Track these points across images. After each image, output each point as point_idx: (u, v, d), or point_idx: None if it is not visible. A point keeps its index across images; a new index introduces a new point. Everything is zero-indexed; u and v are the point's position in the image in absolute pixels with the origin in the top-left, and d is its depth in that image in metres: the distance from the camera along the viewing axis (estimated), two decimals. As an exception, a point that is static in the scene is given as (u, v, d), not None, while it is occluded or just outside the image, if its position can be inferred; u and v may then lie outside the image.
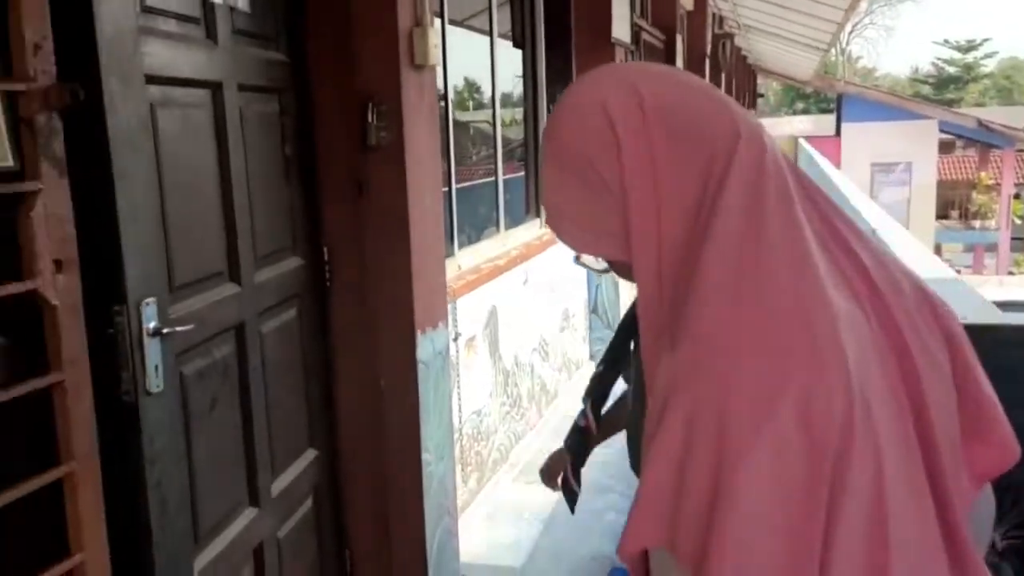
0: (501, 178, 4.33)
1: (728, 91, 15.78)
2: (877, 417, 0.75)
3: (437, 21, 3.21)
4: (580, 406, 1.46)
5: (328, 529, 2.42)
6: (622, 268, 0.90)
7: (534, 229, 4.65)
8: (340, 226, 2.36)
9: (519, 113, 5.09)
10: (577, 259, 1.00)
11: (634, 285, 0.87)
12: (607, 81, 0.86)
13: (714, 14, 12.42)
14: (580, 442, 1.47)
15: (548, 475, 1.63)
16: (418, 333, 2.41)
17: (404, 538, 2.52)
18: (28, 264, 1.24)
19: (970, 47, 55.30)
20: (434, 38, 2.39)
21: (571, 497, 1.50)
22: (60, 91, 1.25)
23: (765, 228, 0.78)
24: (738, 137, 0.82)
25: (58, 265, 1.27)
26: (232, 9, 1.90)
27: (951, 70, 56.71)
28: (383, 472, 2.49)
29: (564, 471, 1.51)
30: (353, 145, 2.31)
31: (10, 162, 1.27)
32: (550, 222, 0.91)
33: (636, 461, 1.23)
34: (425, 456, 2.48)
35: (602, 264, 0.97)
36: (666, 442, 0.76)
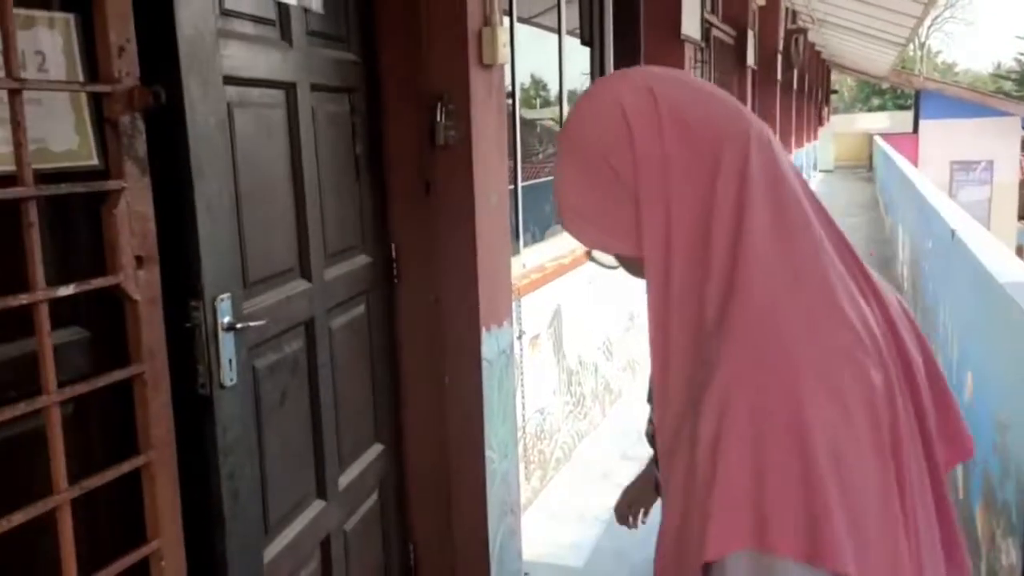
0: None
1: (800, 87, 15.44)
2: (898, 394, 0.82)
3: (506, 19, 3.22)
4: (644, 407, 1.44)
5: (393, 523, 2.45)
6: (632, 265, 0.92)
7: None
8: (407, 224, 2.39)
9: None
10: (590, 255, 1.00)
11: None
12: (623, 82, 0.89)
13: (787, 8, 12.17)
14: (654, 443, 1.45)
15: (621, 512, 1.59)
16: (483, 331, 2.42)
17: (467, 534, 2.54)
18: (111, 260, 1.29)
19: (1059, 40, 52.94)
20: (503, 37, 2.39)
21: None
22: (143, 93, 1.29)
23: (790, 227, 0.82)
24: (749, 140, 0.84)
25: (139, 261, 1.31)
26: (306, 11, 1.93)
27: (1038, 64, 54.43)
28: (447, 468, 2.51)
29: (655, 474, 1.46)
30: (421, 144, 2.33)
31: (96, 161, 1.32)
32: (564, 219, 0.93)
33: None
34: (488, 453, 2.49)
35: (613, 261, 0.97)
36: (734, 443, 0.75)
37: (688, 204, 0.83)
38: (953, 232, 4.12)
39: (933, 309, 4.90)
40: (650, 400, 1.44)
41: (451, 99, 2.31)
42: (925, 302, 5.40)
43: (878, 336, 0.82)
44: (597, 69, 4.86)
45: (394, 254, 2.39)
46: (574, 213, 0.91)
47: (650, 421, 1.39)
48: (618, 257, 0.95)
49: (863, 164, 25.30)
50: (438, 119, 2.29)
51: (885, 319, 0.86)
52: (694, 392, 0.81)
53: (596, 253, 0.97)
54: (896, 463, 0.79)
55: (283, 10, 1.85)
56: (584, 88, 5.01)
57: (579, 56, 4.80)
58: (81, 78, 1.29)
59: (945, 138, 20.67)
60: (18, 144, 1.12)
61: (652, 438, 1.38)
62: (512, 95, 3.55)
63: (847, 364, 0.78)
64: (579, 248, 4.32)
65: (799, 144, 15.89)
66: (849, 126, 32.00)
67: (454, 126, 2.32)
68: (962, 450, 0.95)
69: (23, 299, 1.13)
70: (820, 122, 24.03)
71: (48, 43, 1.26)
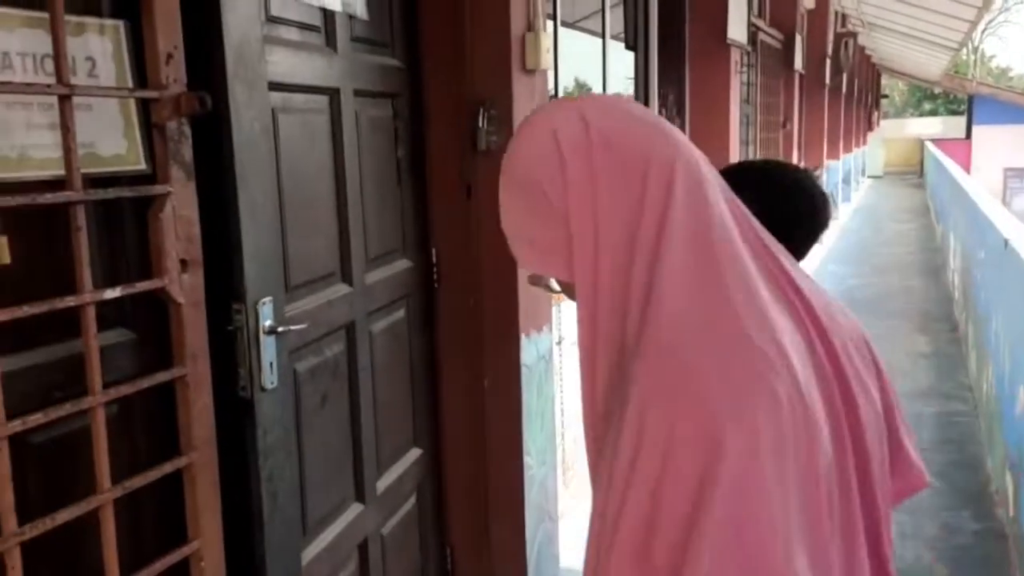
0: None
1: (849, 92, 15.19)
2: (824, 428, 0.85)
3: (549, 24, 3.21)
4: None
5: (430, 527, 2.46)
6: (568, 288, 0.95)
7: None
8: (448, 229, 2.39)
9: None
10: (531, 279, 1.04)
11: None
12: (558, 110, 0.92)
13: (837, 12, 11.98)
14: None
15: None
16: (522, 336, 2.42)
17: (505, 540, 2.53)
18: (156, 263, 1.31)
19: (1121, 43, 51.43)
20: (546, 42, 2.39)
21: None
22: (190, 99, 1.31)
23: (712, 254, 0.85)
24: (675, 164, 0.87)
25: (184, 264, 1.33)
26: (351, 17, 1.95)
27: (1098, 68, 52.93)
28: (485, 473, 2.50)
29: None
30: (463, 148, 2.34)
31: (143, 166, 1.34)
32: (510, 243, 0.98)
33: None
34: (527, 459, 2.48)
35: (555, 284, 1.00)
36: (646, 468, 0.79)
37: (614, 228, 0.86)
38: (1006, 241, 4.01)
39: (985, 320, 4.77)
40: None
41: (493, 104, 2.31)
42: (977, 313, 5.26)
43: (797, 370, 0.83)
44: (641, 73, 4.83)
45: (435, 258, 2.40)
46: (513, 236, 0.96)
47: None
48: (558, 280, 0.98)
49: (914, 170, 24.82)
50: (480, 124, 2.29)
51: (825, 349, 0.88)
52: (613, 409, 0.86)
53: (537, 277, 1.01)
54: (809, 495, 0.81)
55: (328, 16, 1.87)
56: (629, 93, 4.99)
57: (624, 60, 4.77)
58: (130, 84, 1.32)
59: (999, 144, 20.24)
60: (67, 149, 1.15)
61: None
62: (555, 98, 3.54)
63: (760, 395, 0.80)
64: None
65: (847, 149, 15.62)
66: (900, 131, 31.41)
67: (496, 131, 2.31)
68: (916, 482, 0.99)
69: (70, 301, 1.16)
70: (870, 127, 23.63)
71: (98, 49, 1.28)
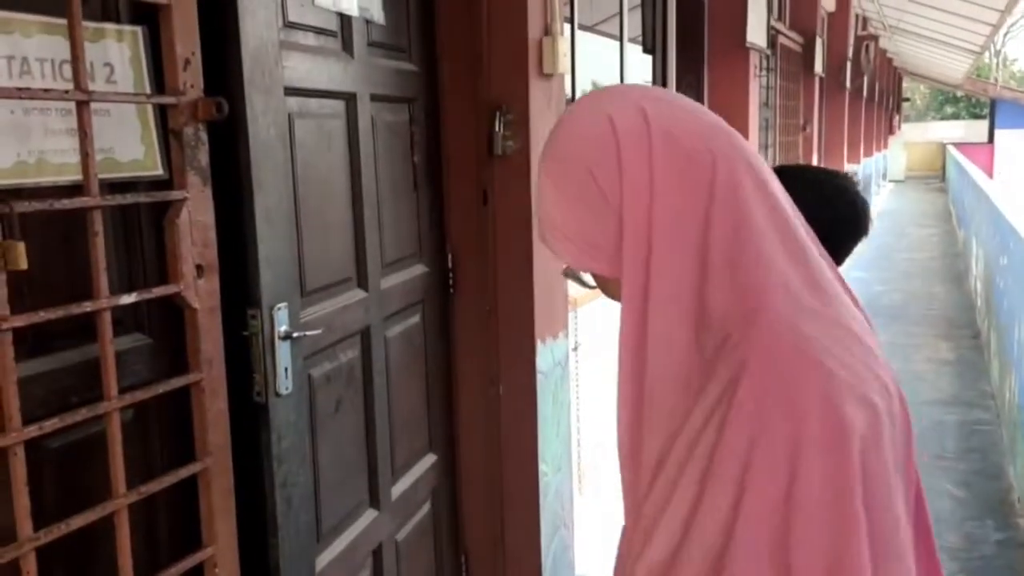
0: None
1: (870, 95, 15.08)
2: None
3: (567, 27, 3.20)
4: None
5: (445, 534, 2.45)
6: (608, 284, 0.91)
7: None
8: (464, 234, 2.39)
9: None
10: (566, 272, 0.97)
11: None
12: (611, 97, 0.87)
13: (857, 15, 11.89)
14: None
15: None
16: (538, 343, 2.40)
17: (519, 547, 2.51)
18: (172, 268, 1.31)
19: None
20: (563, 47, 2.38)
21: None
22: (207, 104, 1.31)
23: (794, 251, 0.82)
24: (740, 160, 0.83)
25: (199, 270, 1.33)
26: (368, 22, 1.95)
27: (1123, 72, 52.35)
28: (500, 480, 2.49)
29: None
30: (479, 153, 2.33)
31: (160, 171, 1.34)
32: (543, 235, 0.91)
33: None
34: (542, 466, 2.47)
35: (591, 280, 0.95)
36: (761, 474, 0.74)
37: (675, 226, 0.81)
38: (1031, 247, 3.95)
39: (1008, 327, 4.71)
40: None
41: (510, 109, 2.30)
42: (999, 320, 5.19)
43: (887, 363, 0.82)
44: (659, 77, 4.81)
45: (451, 264, 2.39)
46: (554, 228, 0.88)
47: None
48: (595, 276, 0.93)
49: (935, 174, 24.58)
50: (496, 129, 2.29)
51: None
52: (679, 422, 0.81)
53: (572, 271, 0.94)
54: (907, 482, 0.80)
55: (345, 21, 1.87)
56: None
57: (643, 63, 4.75)
58: (148, 90, 1.32)
59: (1022, 148, 19.99)
60: (85, 154, 1.15)
61: None
62: (572, 101, 3.53)
63: (872, 379, 0.77)
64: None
65: (868, 153, 15.49)
66: (921, 135, 31.13)
67: (512, 136, 2.31)
68: None
69: (87, 307, 1.16)
70: (891, 130, 23.43)
71: (117, 55, 1.29)
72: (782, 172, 1.44)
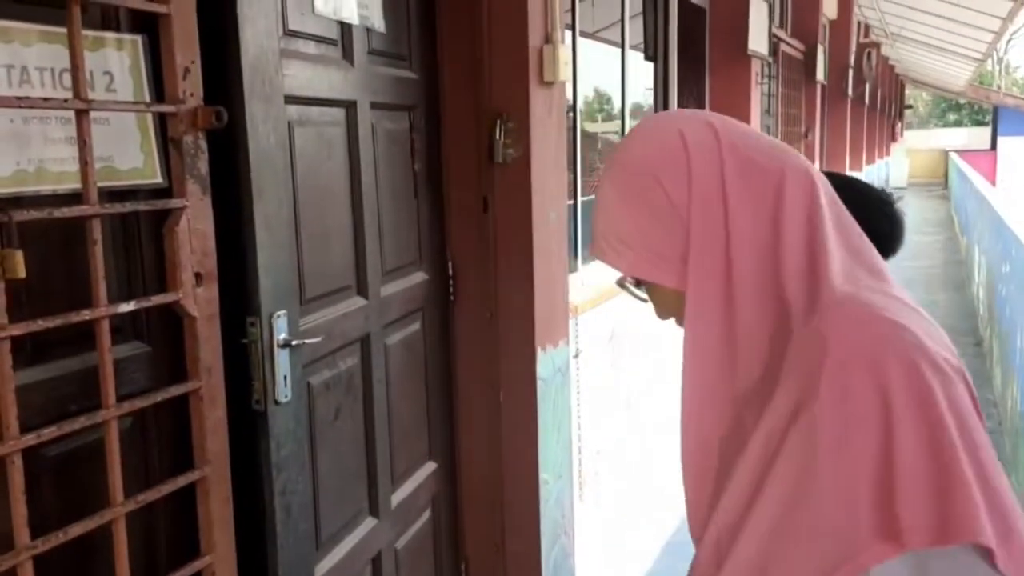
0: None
1: (872, 102, 15.08)
2: None
3: (567, 35, 3.21)
4: None
5: (445, 542, 2.44)
6: (661, 293, 0.93)
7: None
8: (465, 241, 2.39)
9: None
10: (620, 282, 0.98)
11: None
12: (681, 116, 0.91)
13: (859, 23, 11.91)
14: None
15: None
16: (539, 350, 2.40)
17: (520, 555, 2.51)
18: (171, 277, 1.31)
19: None
20: (564, 54, 2.38)
21: None
22: (206, 113, 1.32)
23: (862, 248, 0.87)
24: (810, 174, 0.87)
25: (198, 278, 1.33)
26: (368, 30, 1.95)
27: (1124, 80, 52.39)
28: (500, 487, 2.49)
29: None
30: (480, 161, 2.33)
31: (159, 179, 1.35)
32: (602, 244, 0.92)
33: None
34: (542, 474, 2.46)
35: (643, 293, 0.97)
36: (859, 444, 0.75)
37: (752, 233, 0.84)
38: (1033, 255, 3.94)
39: (1010, 335, 4.69)
40: None
41: (510, 117, 2.30)
42: (1001, 328, 5.18)
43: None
44: (661, 84, 4.82)
45: (451, 271, 2.39)
46: (616, 238, 0.90)
47: None
48: (648, 285, 0.94)
49: (938, 181, 24.59)
50: (497, 137, 2.29)
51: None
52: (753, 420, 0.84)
53: (626, 281, 0.96)
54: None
55: (345, 29, 1.87)
56: (649, 101, 4.98)
57: (645, 70, 4.76)
58: (147, 98, 1.32)
59: (1024, 156, 20.00)
60: (84, 163, 1.15)
61: None
62: (573, 108, 3.53)
63: (942, 347, 0.80)
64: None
65: (870, 160, 15.48)
66: (924, 142, 31.11)
67: (513, 144, 2.31)
68: None
69: (86, 315, 1.16)
70: (893, 138, 23.41)
71: (116, 64, 1.29)
72: (830, 178, 1.45)
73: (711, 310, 0.85)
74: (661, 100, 4.82)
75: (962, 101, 34.14)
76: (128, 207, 1.26)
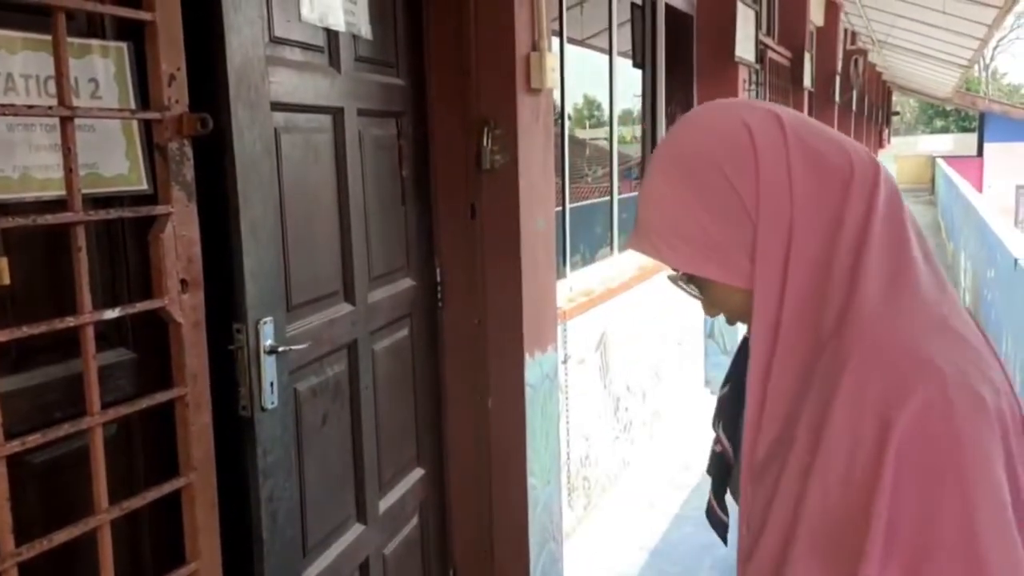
0: (616, 197, 4.29)
1: (860, 109, 15.18)
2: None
3: (555, 42, 3.22)
4: (694, 434, 1.40)
5: (433, 548, 2.44)
6: (717, 293, 0.89)
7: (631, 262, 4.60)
8: (452, 248, 2.39)
9: (639, 131, 5.05)
10: (673, 278, 0.95)
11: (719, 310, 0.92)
12: (744, 105, 0.86)
13: (846, 30, 11.98)
14: (719, 467, 1.40)
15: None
16: (527, 356, 2.41)
17: (508, 561, 2.51)
18: (157, 283, 1.31)
19: None
20: (551, 62, 2.39)
21: (720, 528, 1.42)
22: (191, 120, 1.32)
23: (908, 261, 0.82)
24: (877, 173, 0.83)
25: (184, 284, 1.33)
26: (355, 37, 1.96)
27: (1108, 86, 52.85)
28: (489, 493, 2.49)
29: (709, 500, 1.45)
30: (467, 167, 2.34)
31: (145, 186, 1.35)
32: (653, 240, 0.87)
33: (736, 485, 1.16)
34: (531, 480, 2.46)
35: (695, 290, 0.93)
36: (893, 474, 0.73)
37: (812, 234, 0.81)
38: (1016, 261, 3.98)
39: (996, 338, 4.73)
40: (716, 422, 1.38)
41: (498, 124, 2.31)
42: (987, 331, 5.22)
43: (1001, 363, 0.83)
44: (649, 90, 4.84)
45: (439, 278, 2.39)
46: (671, 232, 0.85)
47: (716, 441, 1.33)
48: (700, 283, 0.91)
49: (925, 187, 24.77)
50: (485, 143, 2.30)
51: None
52: (791, 425, 0.82)
53: (680, 276, 0.92)
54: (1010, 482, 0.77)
55: (332, 36, 1.88)
56: (637, 108, 5.00)
57: (633, 77, 4.78)
58: (133, 105, 1.32)
59: (1011, 161, 20.16)
60: (68, 170, 1.15)
61: (717, 459, 1.29)
62: (561, 115, 3.55)
63: (979, 377, 0.77)
64: (627, 271, 4.27)
65: (857, 167, 15.59)
66: (911, 148, 31.32)
67: (500, 150, 2.32)
68: None
69: (70, 322, 1.16)
70: (880, 144, 23.56)
71: (102, 71, 1.29)
72: None
73: (768, 301, 0.83)
74: (649, 106, 4.84)
75: (949, 107, 34.38)
76: (113, 214, 1.26)
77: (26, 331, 1.11)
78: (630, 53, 4.75)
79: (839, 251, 0.80)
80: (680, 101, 5.16)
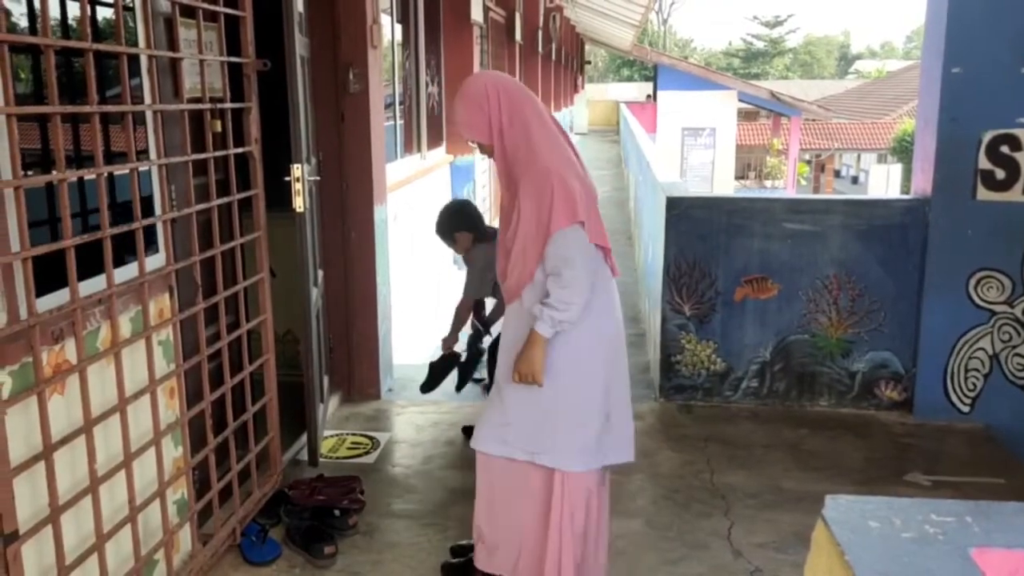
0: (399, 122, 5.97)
1: (559, 59, 17.58)
2: None
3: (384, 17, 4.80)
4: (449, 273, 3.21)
5: (321, 327, 4.04)
6: (487, 149, 2.50)
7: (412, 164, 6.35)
8: (329, 141, 3.97)
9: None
10: (473, 144, 2.65)
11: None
12: (487, 76, 2.50)
13: (546, -9, 14.04)
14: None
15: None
16: (375, 205, 4.08)
17: (362, 332, 4.20)
18: (247, 141, 2.85)
19: (776, 23, 60.35)
20: (385, 29, 4.02)
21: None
22: (258, 62, 2.86)
23: (556, 138, 2.46)
24: (536, 103, 2.53)
25: (256, 142, 2.89)
26: (301, 14, 3.47)
27: (760, 44, 61.71)
28: (351, 291, 4.14)
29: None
30: (337, 92, 3.92)
31: (222, 95, 2.86)
32: (461, 128, 2.44)
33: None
34: (377, 280, 4.16)
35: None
36: (548, 197, 2.48)
37: (510, 122, 2.45)
38: (648, 163, 6.24)
39: (640, 225, 7.08)
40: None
41: (356, 65, 3.92)
42: (641, 220, 7.63)
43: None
44: (412, 43, 6.50)
45: (320, 158, 3.96)
46: (461, 123, 2.48)
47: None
48: (480, 145, 2.56)
49: (613, 128, 27.63)
50: (350, 77, 3.90)
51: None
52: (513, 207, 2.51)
53: (474, 142, 2.58)
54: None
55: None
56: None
57: (397, 32, 6.39)
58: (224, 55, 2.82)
59: (678, 107, 23.32)
60: (201, 83, 2.67)
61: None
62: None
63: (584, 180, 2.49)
64: (422, 165, 6.04)
65: (557, 108, 18.05)
66: (602, 94, 34.66)
67: (357, 81, 3.93)
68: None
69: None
70: (576, 89, 26.23)
71: (215, 37, 2.77)
72: (455, 204, 3.27)
73: (499, 156, 2.46)
74: (413, 56, 6.51)
75: (632, 58, 38.64)
76: (222, 106, 2.77)
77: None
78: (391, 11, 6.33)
79: (521, 127, 2.36)
80: (433, 53, 6.88)
